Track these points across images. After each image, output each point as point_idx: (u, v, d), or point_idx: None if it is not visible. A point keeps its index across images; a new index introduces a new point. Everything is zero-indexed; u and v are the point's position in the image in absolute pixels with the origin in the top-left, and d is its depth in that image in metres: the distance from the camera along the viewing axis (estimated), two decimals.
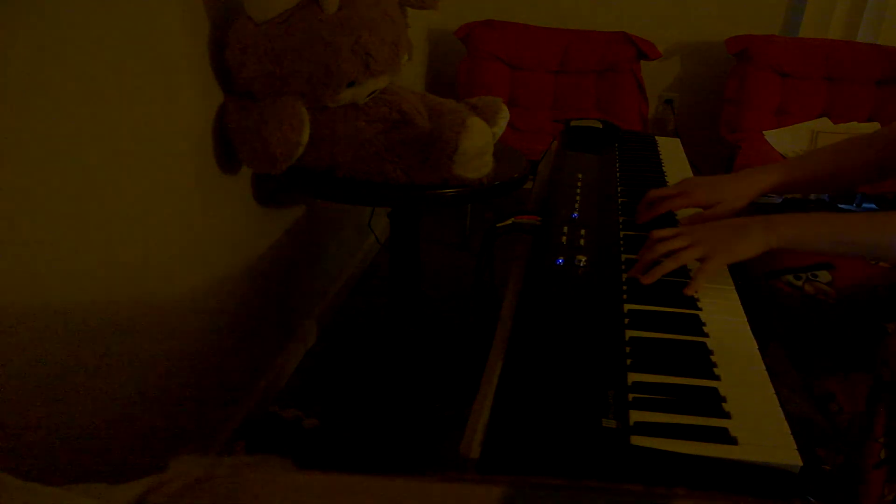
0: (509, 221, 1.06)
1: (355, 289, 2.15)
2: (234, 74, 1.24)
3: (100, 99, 0.96)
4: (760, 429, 0.63)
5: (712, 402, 0.66)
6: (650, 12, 2.59)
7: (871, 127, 2.37)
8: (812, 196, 1.49)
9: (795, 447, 0.60)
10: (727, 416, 0.64)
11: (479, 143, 1.26)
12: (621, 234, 1.02)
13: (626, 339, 0.76)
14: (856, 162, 1.07)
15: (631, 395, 0.66)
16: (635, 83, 2.48)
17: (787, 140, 2.35)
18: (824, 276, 1.03)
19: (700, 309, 0.84)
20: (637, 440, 0.60)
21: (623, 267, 0.92)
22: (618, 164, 1.33)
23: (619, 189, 1.20)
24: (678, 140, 1.57)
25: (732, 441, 0.61)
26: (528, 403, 0.64)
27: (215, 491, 0.40)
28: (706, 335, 0.78)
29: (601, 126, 1.50)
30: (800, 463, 0.59)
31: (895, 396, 0.82)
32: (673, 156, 1.46)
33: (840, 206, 1.17)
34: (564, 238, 0.96)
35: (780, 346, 0.99)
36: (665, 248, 0.87)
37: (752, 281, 1.07)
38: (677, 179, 1.29)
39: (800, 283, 1.03)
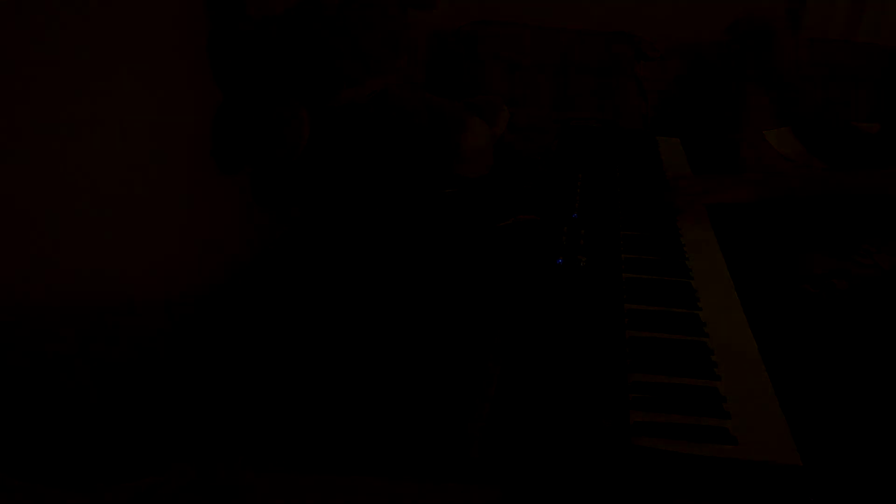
0: (509, 221, 1.07)
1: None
2: (233, 74, 1.24)
3: (98, 98, 0.96)
4: (760, 429, 0.63)
5: (712, 402, 0.66)
6: (650, 12, 2.59)
7: (872, 127, 2.37)
8: None
9: (795, 447, 0.60)
10: (727, 415, 0.64)
11: (479, 143, 1.26)
12: (621, 234, 1.02)
13: (626, 338, 0.76)
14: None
15: (631, 395, 0.66)
16: (635, 83, 2.47)
17: (787, 140, 2.34)
18: (841, 284, 1.05)
19: (700, 309, 0.84)
20: (637, 440, 0.60)
21: (623, 267, 0.92)
22: (618, 164, 1.33)
23: (618, 189, 1.20)
24: (678, 140, 1.57)
25: (733, 441, 0.61)
26: (527, 404, 0.64)
27: (215, 491, 0.40)
28: (706, 335, 0.78)
29: (601, 126, 1.50)
30: (800, 463, 0.59)
31: None
32: (673, 156, 1.46)
33: None
34: (564, 238, 0.96)
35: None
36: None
37: (769, 287, 1.09)
38: None
39: (816, 291, 1.05)
